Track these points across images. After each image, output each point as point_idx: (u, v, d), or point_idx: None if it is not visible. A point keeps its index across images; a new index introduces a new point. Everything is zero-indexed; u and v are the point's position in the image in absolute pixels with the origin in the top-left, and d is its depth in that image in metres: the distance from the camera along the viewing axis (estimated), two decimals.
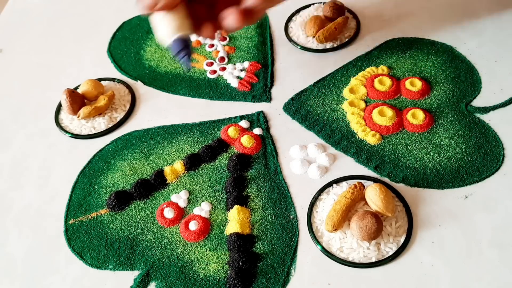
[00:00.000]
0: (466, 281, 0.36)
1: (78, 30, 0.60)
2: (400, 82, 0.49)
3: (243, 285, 0.37)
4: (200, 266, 0.39)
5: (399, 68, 0.50)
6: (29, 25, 0.62)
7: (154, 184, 0.44)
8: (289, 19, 0.56)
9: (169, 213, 0.42)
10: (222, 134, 0.47)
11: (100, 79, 0.53)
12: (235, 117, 0.49)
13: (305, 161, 0.44)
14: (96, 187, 0.45)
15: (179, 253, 0.40)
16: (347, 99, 0.48)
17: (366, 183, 0.41)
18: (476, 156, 0.43)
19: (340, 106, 0.48)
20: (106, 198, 0.44)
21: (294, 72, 0.52)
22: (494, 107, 0.46)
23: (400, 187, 0.42)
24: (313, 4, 0.57)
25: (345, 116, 0.47)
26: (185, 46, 0.38)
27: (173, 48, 0.38)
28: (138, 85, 0.53)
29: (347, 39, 0.53)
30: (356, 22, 0.55)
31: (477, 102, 0.47)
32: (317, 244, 0.39)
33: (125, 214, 0.43)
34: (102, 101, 0.49)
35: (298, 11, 0.57)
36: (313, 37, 0.53)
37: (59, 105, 0.51)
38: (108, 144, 0.48)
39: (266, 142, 0.46)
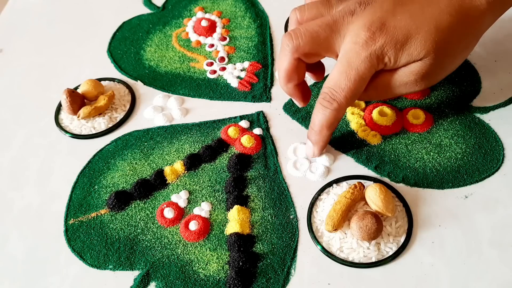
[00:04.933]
0: (466, 281, 0.36)
1: (78, 30, 0.60)
2: None
3: (243, 285, 0.37)
4: (200, 266, 0.39)
5: None
6: (29, 25, 0.62)
7: (154, 184, 0.44)
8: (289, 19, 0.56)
9: (169, 213, 0.42)
10: (222, 134, 0.47)
11: (100, 79, 0.53)
12: (235, 117, 0.49)
13: (305, 161, 0.44)
14: (96, 187, 0.45)
15: (179, 253, 0.40)
16: None
17: (366, 183, 0.41)
18: (476, 156, 0.43)
19: None
20: (106, 198, 0.44)
21: None
22: (494, 107, 0.46)
23: (400, 187, 0.42)
24: None
25: (345, 116, 0.47)
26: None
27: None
28: (138, 85, 0.53)
29: None
30: None
31: (477, 102, 0.47)
32: (317, 244, 0.39)
33: (125, 214, 0.43)
34: (102, 101, 0.49)
35: None
36: None
37: (59, 105, 0.51)
38: (108, 144, 0.48)
39: (266, 142, 0.46)
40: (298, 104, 0.43)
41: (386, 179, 0.42)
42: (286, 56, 0.39)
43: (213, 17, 0.58)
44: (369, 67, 0.36)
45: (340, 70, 0.37)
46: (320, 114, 0.39)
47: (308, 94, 0.43)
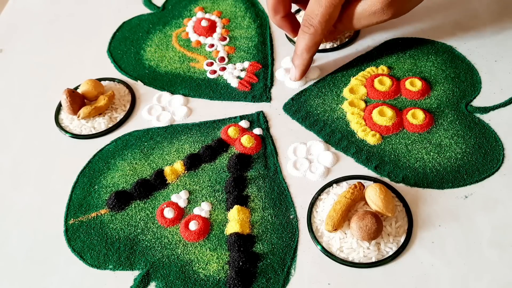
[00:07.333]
0: (466, 281, 0.36)
1: (78, 30, 0.60)
2: (400, 82, 0.49)
3: (243, 285, 0.37)
4: (200, 266, 0.39)
5: (399, 68, 0.50)
6: (29, 25, 0.62)
7: (154, 184, 0.44)
8: None
9: (169, 213, 0.42)
10: (222, 134, 0.47)
11: (100, 79, 0.53)
12: (235, 117, 0.49)
13: (305, 161, 0.44)
14: (96, 187, 0.45)
15: (179, 253, 0.40)
16: (347, 99, 0.48)
17: (366, 183, 0.41)
18: (476, 156, 0.43)
19: (340, 106, 0.48)
20: (106, 198, 0.44)
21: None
22: (494, 107, 0.46)
23: (400, 187, 0.42)
24: None
25: (345, 116, 0.47)
26: None
27: None
28: (138, 85, 0.53)
29: (347, 39, 0.53)
30: None
31: (477, 102, 0.47)
32: (317, 244, 0.39)
33: (125, 214, 0.43)
34: (102, 101, 0.49)
35: (298, 11, 0.57)
36: None
37: (59, 105, 0.51)
38: (108, 144, 0.48)
39: (266, 142, 0.46)
40: (290, 35, 0.49)
41: (386, 179, 0.42)
42: None
43: (213, 17, 0.58)
44: None
45: None
46: (301, 39, 0.45)
47: (297, 25, 0.48)
